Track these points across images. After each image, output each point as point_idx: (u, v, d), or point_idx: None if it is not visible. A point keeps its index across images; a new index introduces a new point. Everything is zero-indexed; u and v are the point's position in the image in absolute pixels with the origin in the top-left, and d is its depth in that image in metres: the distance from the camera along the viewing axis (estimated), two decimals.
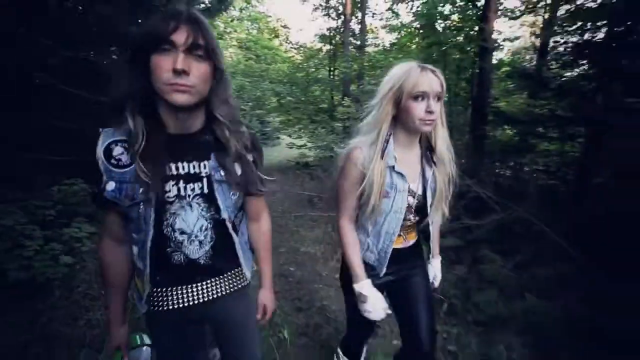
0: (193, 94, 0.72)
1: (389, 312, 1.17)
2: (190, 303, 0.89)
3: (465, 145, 4.11)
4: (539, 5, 4.98)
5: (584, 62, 3.27)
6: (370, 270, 1.21)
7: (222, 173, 0.84)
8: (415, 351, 1.23)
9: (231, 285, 0.94)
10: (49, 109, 2.65)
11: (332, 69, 10.70)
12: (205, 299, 0.90)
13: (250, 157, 0.90)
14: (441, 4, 4.12)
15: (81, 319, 2.05)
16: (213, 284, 0.91)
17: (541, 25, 5.51)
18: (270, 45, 12.05)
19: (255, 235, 1.05)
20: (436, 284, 1.36)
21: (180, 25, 0.69)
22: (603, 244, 2.19)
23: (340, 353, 1.55)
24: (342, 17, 10.58)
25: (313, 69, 10.75)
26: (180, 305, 0.88)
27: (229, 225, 0.88)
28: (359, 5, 10.50)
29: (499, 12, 4.38)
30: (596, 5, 2.99)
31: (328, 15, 11.27)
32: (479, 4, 4.19)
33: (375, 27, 11.98)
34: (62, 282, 2.28)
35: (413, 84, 1.01)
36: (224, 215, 0.86)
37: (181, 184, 0.81)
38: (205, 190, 0.83)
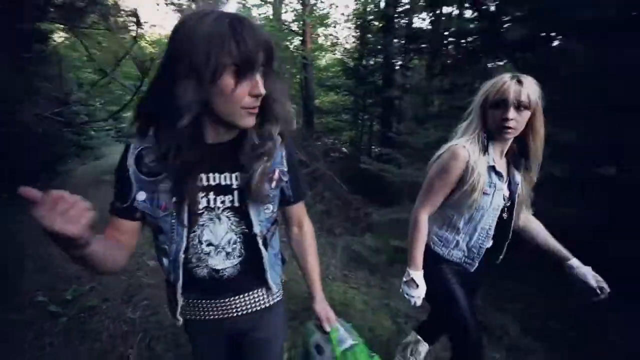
0: (256, 114, 0.70)
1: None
2: (219, 317, 0.87)
3: (300, 128, 6.05)
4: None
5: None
6: (455, 266, 1.25)
7: (256, 185, 0.76)
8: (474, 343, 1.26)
9: (259, 304, 0.91)
10: None
11: None
12: (232, 315, 0.88)
13: (290, 166, 0.85)
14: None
15: None
16: (239, 300, 0.87)
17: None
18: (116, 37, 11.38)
19: (298, 242, 1.00)
20: (605, 287, 1.13)
21: (259, 48, 0.63)
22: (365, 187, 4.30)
23: (417, 335, 1.64)
24: None
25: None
26: (211, 317, 0.87)
27: (260, 241, 0.83)
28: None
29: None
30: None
31: (180, 11, 11.48)
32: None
33: None
34: None
35: (495, 92, 1.06)
36: (256, 230, 0.82)
37: (211, 196, 0.77)
38: (236, 204, 0.79)
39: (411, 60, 4.17)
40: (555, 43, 2.75)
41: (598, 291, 1.12)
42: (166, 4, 11.65)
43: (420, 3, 4.44)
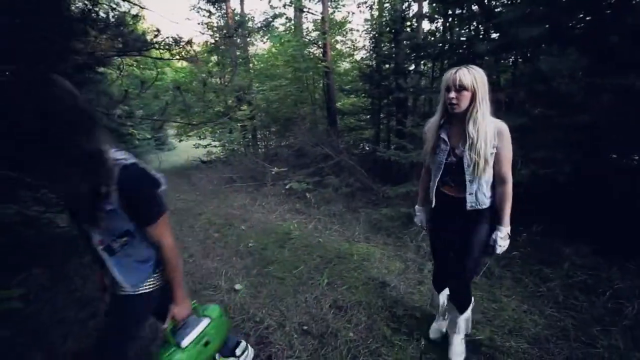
0: None
1: (423, 225, 1.89)
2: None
3: (325, 128, 6.96)
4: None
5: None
6: (428, 202, 1.75)
7: (88, 216, 1.05)
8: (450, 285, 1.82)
9: (117, 291, 1.21)
10: None
11: (221, 78, 12.34)
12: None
13: (127, 200, 1.06)
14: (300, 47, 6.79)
15: None
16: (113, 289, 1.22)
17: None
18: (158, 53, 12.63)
19: (161, 257, 1.26)
20: (497, 250, 1.54)
21: None
22: (381, 173, 5.12)
23: (433, 288, 1.99)
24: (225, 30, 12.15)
25: (204, 76, 12.09)
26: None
27: (99, 248, 1.11)
28: (238, 16, 12.20)
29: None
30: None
31: (212, 31, 12.65)
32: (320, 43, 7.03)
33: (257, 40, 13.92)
34: None
35: (444, 80, 1.45)
36: (94, 240, 1.10)
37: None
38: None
39: (417, 66, 4.96)
40: None
41: (489, 250, 1.56)
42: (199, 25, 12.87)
43: (424, 14, 5.23)
